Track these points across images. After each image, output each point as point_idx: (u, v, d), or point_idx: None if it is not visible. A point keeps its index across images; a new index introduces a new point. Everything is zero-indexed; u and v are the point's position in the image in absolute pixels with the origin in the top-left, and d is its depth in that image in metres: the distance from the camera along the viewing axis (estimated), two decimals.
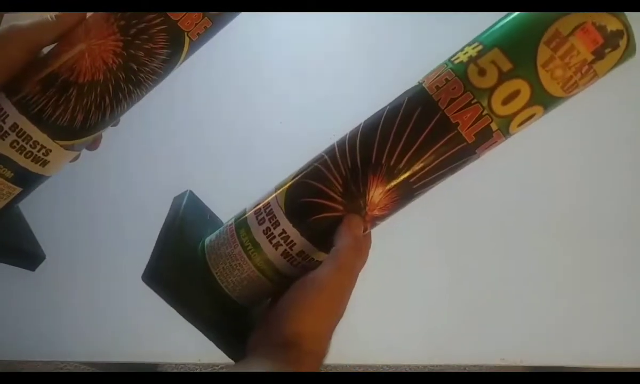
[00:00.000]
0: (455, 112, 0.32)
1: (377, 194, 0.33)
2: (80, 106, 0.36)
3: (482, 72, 0.31)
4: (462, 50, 0.33)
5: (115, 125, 0.40)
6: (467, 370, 0.88)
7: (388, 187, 0.33)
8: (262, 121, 0.76)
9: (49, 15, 0.35)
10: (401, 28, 0.81)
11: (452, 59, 0.33)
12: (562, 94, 0.31)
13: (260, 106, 0.77)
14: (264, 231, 0.35)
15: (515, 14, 0.32)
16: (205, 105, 0.77)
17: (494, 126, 0.32)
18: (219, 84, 0.78)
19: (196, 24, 0.36)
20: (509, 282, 0.65)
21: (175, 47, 0.36)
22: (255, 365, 0.30)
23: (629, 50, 0.31)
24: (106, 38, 0.35)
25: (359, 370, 0.92)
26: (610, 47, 0.30)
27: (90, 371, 0.93)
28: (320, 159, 0.36)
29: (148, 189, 0.72)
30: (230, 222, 0.38)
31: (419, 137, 0.32)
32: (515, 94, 0.31)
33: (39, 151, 0.36)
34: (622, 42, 0.30)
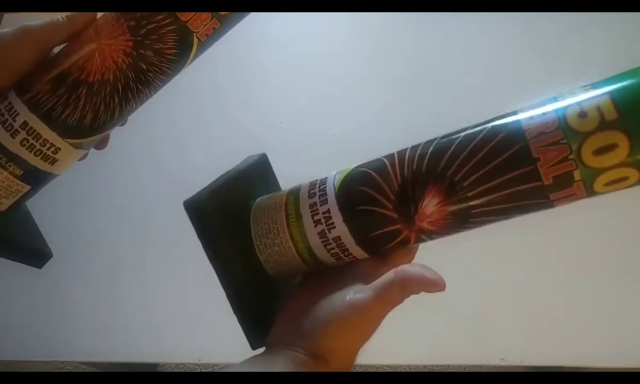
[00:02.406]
0: (539, 147, 0.29)
1: (431, 204, 0.31)
2: (89, 105, 0.36)
3: (582, 115, 0.28)
4: (571, 90, 0.30)
5: (122, 124, 0.40)
6: (467, 370, 0.88)
7: (445, 201, 0.31)
8: (262, 120, 0.76)
9: (59, 16, 0.36)
10: (401, 28, 0.81)
11: (558, 95, 0.30)
12: None
13: (260, 106, 0.77)
14: (310, 205, 0.35)
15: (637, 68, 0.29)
16: (209, 105, 0.77)
17: (577, 175, 0.28)
18: (223, 83, 0.78)
19: (205, 25, 0.36)
20: (509, 282, 0.65)
21: (184, 48, 0.37)
22: (281, 364, 0.30)
23: None
24: (116, 38, 0.35)
25: (359, 370, 0.92)
26: None
27: (90, 371, 0.93)
28: (389, 156, 0.34)
29: (152, 190, 0.72)
30: (284, 190, 0.38)
31: (492, 161, 0.30)
32: (612, 147, 0.27)
33: (48, 149, 0.37)
34: None
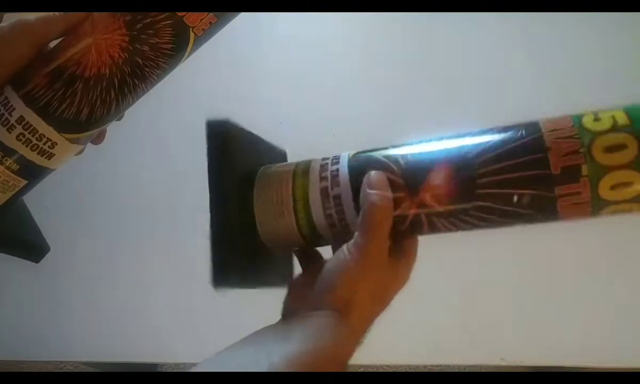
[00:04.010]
0: (553, 138, 0.30)
1: (438, 177, 0.31)
2: (86, 100, 0.36)
3: (596, 119, 0.30)
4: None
5: (119, 119, 0.40)
6: (467, 370, 0.88)
7: (453, 175, 0.31)
8: (262, 120, 0.76)
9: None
10: (401, 28, 0.81)
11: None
12: None
13: (259, 105, 0.77)
14: (321, 165, 0.35)
15: None
16: (209, 104, 0.77)
17: (584, 170, 0.29)
18: (222, 82, 0.78)
19: (201, 20, 0.36)
20: (509, 282, 0.65)
21: (181, 43, 0.37)
22: (309, 328, 0.31)
23: None
24: (112, 32, 0.35)
25: (359, 370, 0.92)
26: None
27: (90, 371, 0.93)
28: (410, 140, 0.35)
29: (153, 189, 0.72)
30: (294, 164, 0.38)
31: (506, 145, 0.31)
32: (621, 147, 0.29)
33: (44, 144, 0.37)
34: None
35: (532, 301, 0.63)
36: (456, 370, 0.89)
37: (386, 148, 0.34)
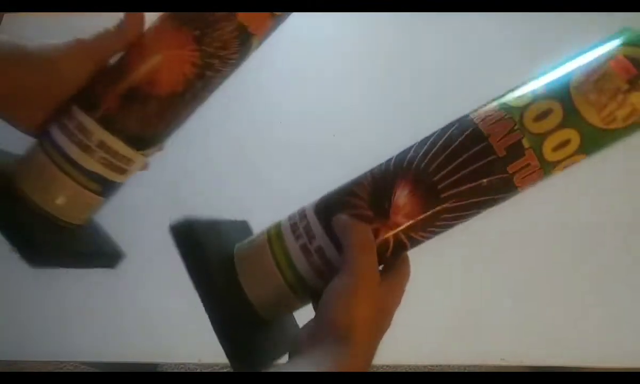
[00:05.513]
0: (487, 125, 0.32)
1: (402, 195, 0.33)
2: (161, 117, 0.37)
3: (518, 97, 0.33)
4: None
5: None
6: (467, 370, 0.88)
7: (415, 189, 0.33)
8: (262, 120, 0.76)
9: (111, 26, 0.36)
10: (400, 29, 0.81)
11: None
12: (599, 123, 0.31)
13: (259, 105, 0.77)
14: (291, 225, 0.36)
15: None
16: (208, 103, 0.77)
17: (525, 143, 0.32)
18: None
19: (263, 27, 0.37)
20: (509, 282, 0.65)
21: (245, 51, 0.38)
22: (315, 360, 0.31)
23: None
24: (182, 48, 0.35)
25: None
26: None
27: (90, 371, 0.93)
28: (363, 172, 0.36)
29: (153, 188, 0.72)
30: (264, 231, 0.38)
31: (451, 145, 0.33)
32: (548, 112, 0.31)
33: (123, 163, 0.38)
34: None
35: (532, 301, 0.63)
36: (456, 370, 0.89)
37: (344, 186, 0.36)
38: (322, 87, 0.78)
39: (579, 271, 0.65)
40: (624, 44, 0.31)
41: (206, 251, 0.36)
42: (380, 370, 0.93)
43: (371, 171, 0.35)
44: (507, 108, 0.33)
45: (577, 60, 0.33)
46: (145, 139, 0.37)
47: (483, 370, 0.70)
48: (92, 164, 0.36)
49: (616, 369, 0.61)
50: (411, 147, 0.35)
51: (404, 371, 0.82)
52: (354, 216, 0.34)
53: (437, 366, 0.62)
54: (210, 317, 0.36)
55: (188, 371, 1.06)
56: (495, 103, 0.34)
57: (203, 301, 0.36)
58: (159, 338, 0.64)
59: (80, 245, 0.41)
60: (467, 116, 0.34)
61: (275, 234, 0.36)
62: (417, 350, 0.62)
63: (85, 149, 0.36)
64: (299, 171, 0.68)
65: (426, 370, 0.70)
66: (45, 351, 0.64)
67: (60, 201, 0.37)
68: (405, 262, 0.36)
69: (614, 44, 0.32)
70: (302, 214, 0.36)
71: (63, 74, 0.35)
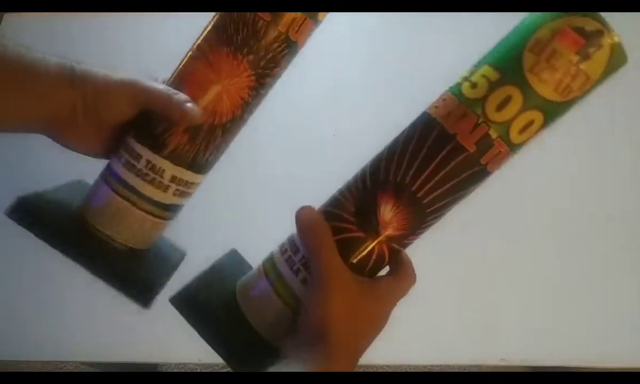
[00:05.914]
0: (452, 124, 0.33)
1: (387, 211, 0.34)
2: (225, 142, 0.39)
3: (473, 86, 0.33)
4: (459, 76, 0.35)
5: None
6: (467, 370, 0.88)
7: (397, 202, 0.33)
8: (262, 120, 0.75)
9: (175, 93, 0.36)
10: (400, 29, 0.81)
11: (451, 84, 0.35)
12: (557, 98, 0.32)
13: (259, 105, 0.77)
14: (285, 259, 0.36)
15: (502, 38, 0.34)
16: None
17: (492, 133, 0.32)
18: None
19: (305, 34, 0.38)
20: (509, 282, 0.65)
21: (290, 61, 0.39)
22: (302, 363, 0.31)
23: (617, 51, 0.31)
24: (239, 76, 0.36)
25: (359, 370, 0.92)
26: (594, 46, 0.31)
27: (90, 371, 0.93)
28: (339, 190, 0.37)
29: None
30: (260, 263, 0.39)
31: (421, 151, 0.33)
32: (508, 99, 0.32)
33: (192, 188, 0.40)
34: (605, 42, 0.31)
35: (532, 301, 0.63)
36: (456, 370, 0.89)
37: (325, 210, 0.36)
38: (322, 86, 0.77)
39: (579, 271, 0.65)
40: (565, 16, 0.31)
41: (210, 312, 0.37)
42: (380, 370, 0.94)
43: (349, 189, 0.35)
44: (467, 102, 0.33)
45: (513, 38, 0.33)
46: (210, 162, 0.39)
47: (483, 370, 0.70)
48: (169, 198, 0.39)
49: (616, 369, 0.61)
50: (381, 156, 0.35)
51: (404, 371, 0.82)
52: (346, 240, 0.34)
53: (437, 366, 0.62)
54: (229, 366, 0.37)
55: (188, 371, 1.06)
56: (452, 96, 0.34)
57: (221, 355, 0.37)
58: (159, 338, 0.64)
59: (166, 261, 0.45)
60: (428, 114, 0.35)
61: (269, 265, 0.37)
62: (417, 350, 0.62)
63: (160, 186, 0.38)
64: (299, 171, 0.68)
65: (426, 370, 0.70)
66: (45, 351, 0.64)
67: (146, 238, 0.40)
68: (405, 263, 0.36)
69: (552, 18, 0.32)
70: (294, 247, 0.36)
71: (110, 109, 0.36)
